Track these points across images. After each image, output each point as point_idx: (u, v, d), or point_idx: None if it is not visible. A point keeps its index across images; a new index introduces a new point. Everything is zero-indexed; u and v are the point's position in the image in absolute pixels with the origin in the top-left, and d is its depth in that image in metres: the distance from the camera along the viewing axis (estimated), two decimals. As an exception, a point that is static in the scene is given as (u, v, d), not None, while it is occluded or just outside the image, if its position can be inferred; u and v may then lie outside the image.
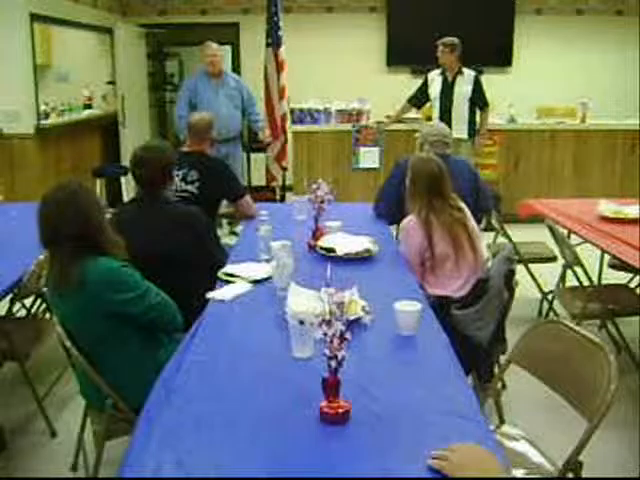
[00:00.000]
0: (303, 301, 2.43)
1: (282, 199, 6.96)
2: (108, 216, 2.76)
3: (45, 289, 3.37)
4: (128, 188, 7.31)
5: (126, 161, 7.49)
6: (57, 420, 3.45)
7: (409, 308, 2.35)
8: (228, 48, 8.62)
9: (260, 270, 2.93)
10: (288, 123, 6.84)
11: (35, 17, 6.45)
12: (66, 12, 7.08)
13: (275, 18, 6.92)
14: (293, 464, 1.65)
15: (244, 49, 8.73)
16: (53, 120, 7.22)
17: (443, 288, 3.26)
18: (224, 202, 4.34)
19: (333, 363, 1.78)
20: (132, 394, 2.47)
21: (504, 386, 3.46)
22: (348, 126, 7.10)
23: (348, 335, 1.77)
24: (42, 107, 6.77)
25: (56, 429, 3.39)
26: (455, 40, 6.43)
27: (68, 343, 2.46)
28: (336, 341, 1.76)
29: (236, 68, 8.64)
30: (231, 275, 2.91)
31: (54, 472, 3.03)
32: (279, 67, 6.88)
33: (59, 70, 8.29)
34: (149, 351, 2.57)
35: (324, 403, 1.82)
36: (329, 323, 1.76)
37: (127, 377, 2.51)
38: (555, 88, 8.21)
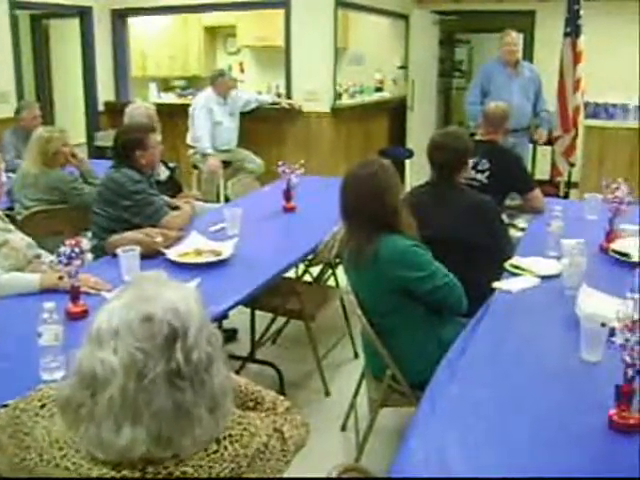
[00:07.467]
0: (595, 303, 2.36)
1: (566, 196, 6.69)
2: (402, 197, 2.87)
3: (332, 259, 3.66)
4: (412, 170, 7.50)
5: (412, 144, 7.69)
6: (331, 381, 3.70)
7: None
8: (521, 36, 8.40)
9: (548, 266, 2.87)
10: (581, 117, 6.53)
11: (339, 3, 6.83)
12: (369, -1, 7.42)
13: (576, 6, 6.59)
14: (574, 468, 1.62)
15: (539, 38, 8.46)
16: (345, 100, 7.66)
17: None
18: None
19: (630, 371, 1.72)
20: (412, 369, 2.58)
21: None
22: (648, 124, 6.63)
23: (651, 344, 1.69)
24: (337, 88, 7.20)
25: (330, 390, 3.64)
26: None
27: (359, 311, 2.62)
28: (637, 349, 1.70)
29: (527, 57, 8.41)
30: (518, 267, 2.89)
31: (326, 428, 3.25)
32: (576, 58, 6.57)
33: (354, 53, 8.75)
34: (433, 330, 2.65)
35: (614, 411, 1.76)
36: (632, 329, 1.70)
37: (409, 352, 2.62)
38: None
